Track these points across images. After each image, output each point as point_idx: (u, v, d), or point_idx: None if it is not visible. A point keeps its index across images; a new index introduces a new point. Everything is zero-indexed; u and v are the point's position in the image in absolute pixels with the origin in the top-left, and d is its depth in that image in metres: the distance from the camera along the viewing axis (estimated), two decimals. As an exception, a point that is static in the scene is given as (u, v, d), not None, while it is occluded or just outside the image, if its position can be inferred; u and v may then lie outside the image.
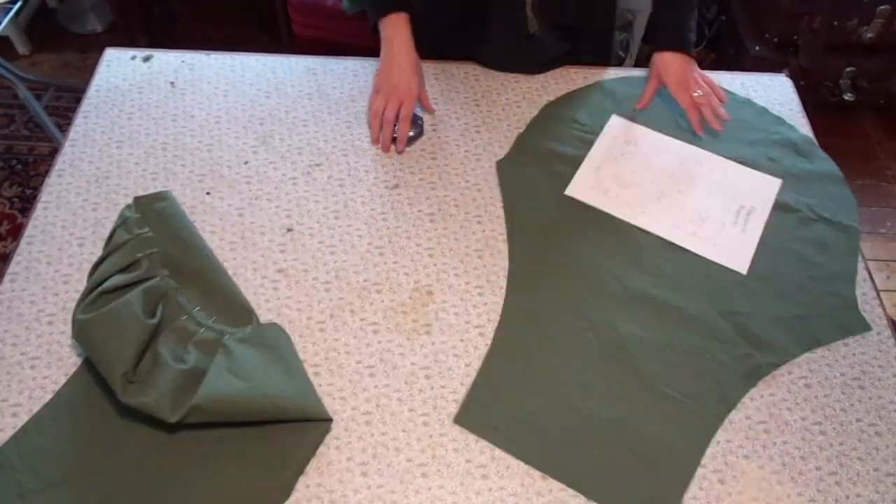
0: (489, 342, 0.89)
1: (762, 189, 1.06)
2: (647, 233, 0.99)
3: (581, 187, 1.04)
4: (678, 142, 1.12)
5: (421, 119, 1.12)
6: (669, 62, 1.09)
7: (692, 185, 1.06)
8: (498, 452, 0.80)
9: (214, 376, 0.79)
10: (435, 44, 1.16)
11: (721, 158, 1.09)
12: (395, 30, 1.07)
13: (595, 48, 1.23)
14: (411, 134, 1.09)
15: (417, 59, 1.08)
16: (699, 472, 0.80)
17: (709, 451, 0.81)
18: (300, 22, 2.07)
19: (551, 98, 1.18)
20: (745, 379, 0.86)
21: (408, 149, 1.09)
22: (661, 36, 1.12)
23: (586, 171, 1.06)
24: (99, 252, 0.91)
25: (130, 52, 1.22)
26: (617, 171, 1.07)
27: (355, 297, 0.93)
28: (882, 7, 2.00)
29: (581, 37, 1.19)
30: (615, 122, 1.14)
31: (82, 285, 0.89)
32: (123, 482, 0.76)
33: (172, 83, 1.17)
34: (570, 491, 0.78)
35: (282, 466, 0.77)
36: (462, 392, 0.84)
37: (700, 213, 1.02)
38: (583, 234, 0.99)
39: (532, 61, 1.19)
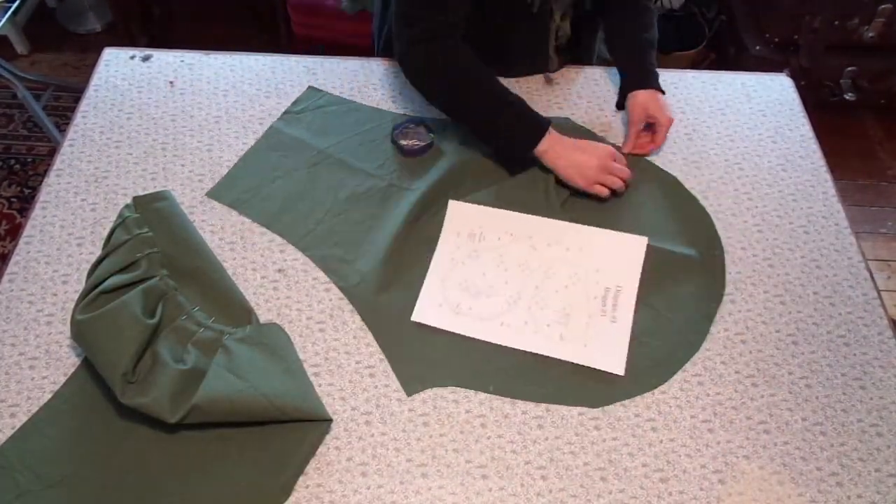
0: (489, 342, 0.89)
1: (628, 255, 0.95)
2: (513, 350, 0.88)
3: (428, 309, 0.91)
4: (525, 216, 0.99)
5: (433, 132, 1.09)
6: (650, 98, 1.09)
7: (550, 274, 0.94)
8: (498, 452, 0.80)
9: (214, 376, 0.79)
10: None
11: (575, 226, 0.99)
12: (558, 139, 1.01)
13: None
14: (422, 144, 1.07)
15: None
16: (699, 472, 0.79)
17: (709, 451, 0.81)
18: (299, 22, 2.07)
19: (551, 98, 1.18)
20: None
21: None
22: (633, 80, 1.12)
23: (431, 287, 0.93)
24: (98, 252, 0.91)
25: (129, 51, 1.22)
26: (465, 277, 0.93)
27: (355, 296, 0.92)
28: (883, 6, 2.00)
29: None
30: (454, 210, 1.00)
31: (81, 285, 0.88)
32: (123, 482, 0.76)
33: (172, 83, 1.17)
34: (570, 491, 0.77)
35: (282, 466, 0.77)
36: (461, 392, 0.84)
37: (563, 309, 0.91)
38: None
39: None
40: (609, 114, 1.16)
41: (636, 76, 1.12)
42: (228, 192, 1.03)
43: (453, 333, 0.89)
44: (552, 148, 1.01)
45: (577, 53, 1.22)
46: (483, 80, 1.03)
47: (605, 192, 1.01)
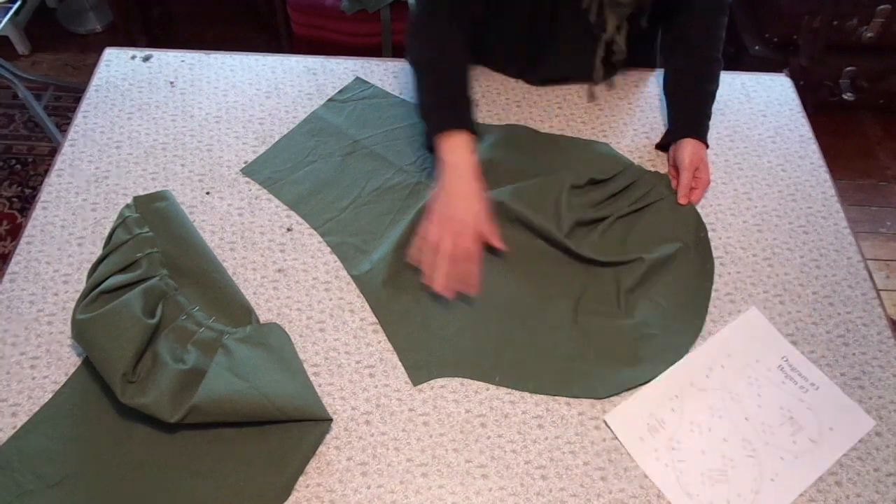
0: (489, 342, 0.89)
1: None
2: (520, 340, 0.89)
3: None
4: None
5: None
6: (700, 149, 1.06)
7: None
8: (498, 452, 0.80)
9: (214, 376, 0.79)
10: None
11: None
12: (459, 154, 0.94)
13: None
14: None
15: (481, 187, 0.94)
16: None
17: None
18: (299, 21, 2.07)
19: (552, 98, 1.18)
20: None
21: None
22: (687, 126, 1.08)
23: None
24: (98, 252, 0.91)
25: (130, 51, 1.22)
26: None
27: (355, 297, 0.92)
28: (882, 6, 2.00)
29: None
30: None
31: (82, 285, 0.88)
32: (123, 482, 0.76)
33: (172, 83, 1.17)
34: (570, 491, 0.78)
35: (282, 466, 0.77)
36: (461, 392, 0.84)
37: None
38: None
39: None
40: (650, 144, 1.14)
41: (692, 123, 1.08)
42: (262, 170, 1.06)
43: (460, 323, 0.90)
44: (448, 167, 0.93)
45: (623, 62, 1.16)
46: (451, 56, 1.01)
47: (414, 255, 0.91)
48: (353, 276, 0.94)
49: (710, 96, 1.10)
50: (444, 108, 0.99)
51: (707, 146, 1.07)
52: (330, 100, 1.16)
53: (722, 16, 1.09)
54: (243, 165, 1.06)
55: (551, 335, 0.90)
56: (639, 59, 1.20)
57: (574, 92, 1.19)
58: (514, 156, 1.08)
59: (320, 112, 1.14)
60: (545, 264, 0.96)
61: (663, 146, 1.12)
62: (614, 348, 0.89)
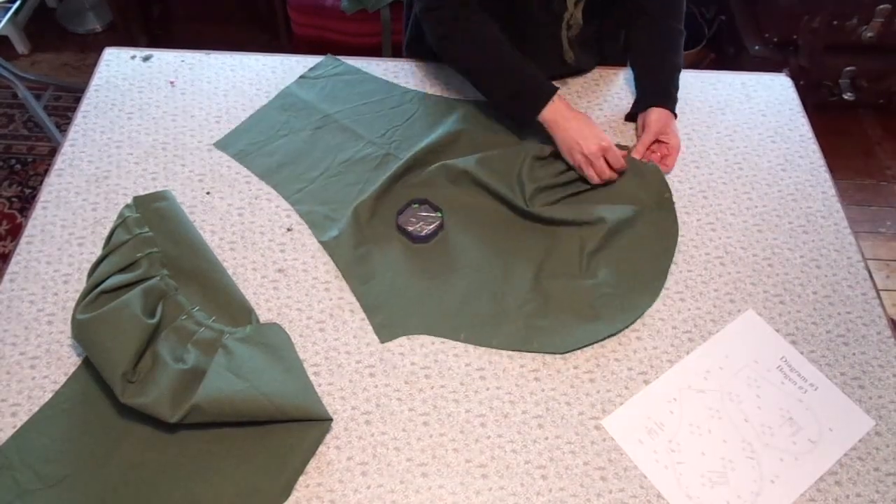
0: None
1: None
2: (485, 298, 0.93)
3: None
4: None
5: (440, 210, 1.01)
6: (667, 118, 1.10)
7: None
8: (498, 452, 0.80)
9: (214, 376, 0.79)
10: None
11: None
12: (563, 111, 1.02)
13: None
14: (431, 228, 0.98)
15: (585, 115, 1.04)
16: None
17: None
18: (299, 21, 2.06)
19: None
20: None
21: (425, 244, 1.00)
22: (653, 96, 1.12)
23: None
24: (98, 252, 0.91)
25: (130, 51, 1.22)
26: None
27: (356, 297, 0.92)
28: (882, 6, 2.00)
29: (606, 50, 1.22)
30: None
31: (82, 285, 0.88)
32: (123, 482, 0.76)
33: (172, 83, 1.17)
34: (570, 491, 0.78)
35: (282, 466, 0.77)
36: (461, 392, 0.85)
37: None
38: None
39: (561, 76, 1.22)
40: (621, 120, 1.16)
41: (658, 93, 1.11)
42: (234, 143, 1.09)
43: (425, 284, 0.93)
44: (557, 118, 1.02)
45: (601, 47, 1.20)
46: (492, 44, 1.04)
47: (594, 178, 1.02)
48: (321, 242, 0.97)
49: (675, 67, 1.13)
50: (524, 91, 1.04)
51: (675, 116, 1.11)
52: (302, 77, 1.19)
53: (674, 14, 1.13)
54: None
55: (514, 295, 0.93)
56: (606, 57, 1.23)
57: (574, 91, 1.20)
58: (481, 129, 1.11)
59: (292, 88, 1.18)
60: (509, 229, 1.00)
61: (631, 116, 1.15)
62: (574, 306, 0.92)
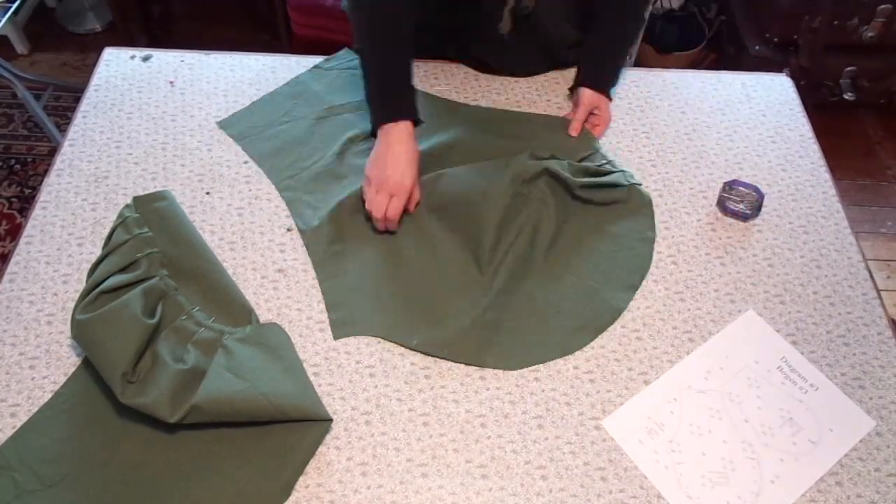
0: (489, 342, 0.89)
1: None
2: (443, 309, 0.92)
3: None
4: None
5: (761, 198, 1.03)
6: (600, 100, 1.13)
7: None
8: (498, 452, 0.80)
9: (214, 376, 0.79)
10: (426, 46, 1.15)
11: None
12: (399, 135, 0.97)
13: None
14: (748, 211, 1.02)
15: (418, 152, 0.99)
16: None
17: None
18: (300, 22, 2.06)
19: (552, 98, 1.18)
20: None
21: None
22: (591, 78, 1.13)
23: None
24: (98, 252, 0.91)
25: (130, 51, 1.22)
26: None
27: (355, 296, 0.93)
28: (883, 6, 2.00)
29: (557, 50, 1.19)
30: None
31: (81, 285, 0.88)
32: (123, 482, 0.76)
33: (172, 83, 1.17)
34: (570, 491, 0.77)
35: (282, 466, 0.77)
36: (461, 392, 0.84)
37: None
38: None
39: (514, 64, 1.19)
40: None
41: (592, 73, 1.14)
42: (237, 125, 1.11)
43: (392, 289, 0.93)
44: (391, 136, 0.97)
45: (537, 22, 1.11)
46: (398, 37, 1.00)
47: (368, 204, 0.96)
48: (300, 231, 0.98)
49: (618, 54, 1.15)
50: (387, 97, 1.01)
51: (610, 99, 1.14)
52: (316, 66, 1.20)
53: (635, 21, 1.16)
54: (243, 165, 1.06)
55: (473, 306, 0.91)
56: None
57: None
58: (480, 138, 1.10)
59: (304, 77, 1.19)
60: (477, 239, 0.96)
61: (570, 91, 1.17)
62: (530, 323, 0.91)
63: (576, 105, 1.13)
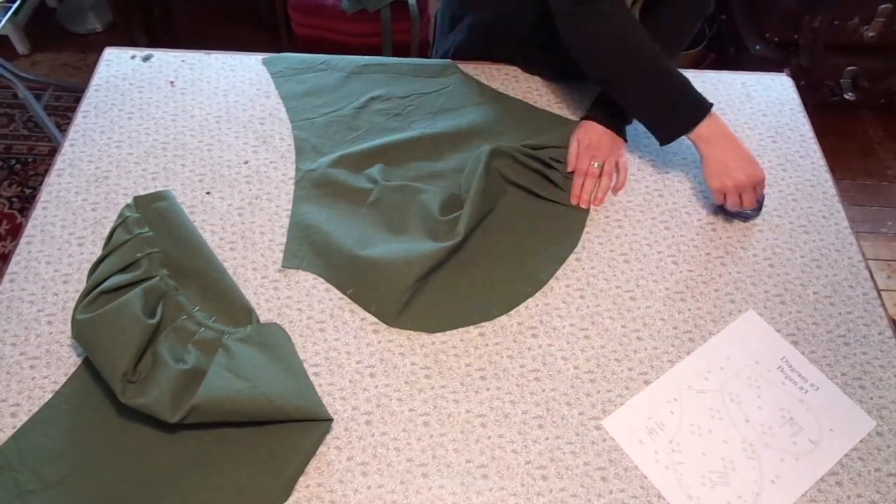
0: (488, 342, 0.89)
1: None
2: (384, 264, 0.93)
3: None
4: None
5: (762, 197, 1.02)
6: (593, 127, 1.05)
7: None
8: (498, 452, 0.80)
9: (214, 376, 0.79)
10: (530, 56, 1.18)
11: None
12: (720, 130, 0.97)
13: None
14: (749, 212, 1.03)
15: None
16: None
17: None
18: (300, 21, 2.06)
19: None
20: None
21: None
22: (602, 107, 1.07)
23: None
24: (98, 252, 0.91)
25: (130, 51, 1.22)
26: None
27: (355, 296, 0.93)
28: (883, 6, 2.00)
29: None
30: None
31: (82, 285, 0.88)
32: (123, 482, 0.76)
33: (172, 82, 1.17)
34: (570, 491, 0.77)
35: (282, 466, 0.77)
36: (462, 392, 0.84)
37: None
38: None
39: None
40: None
41: (605, 107, 1.06)
42: (279, 64, 1.20)
43: (345, 240, 0.95)
44: (713, 137, 0.98)
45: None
46: (643, 47, 0.96)
47: (733, 206, 0.98)
48: (297, 168, 1.05)
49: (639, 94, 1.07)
50: (680, 102, 0.98)
51: (626, 141, 1.08)
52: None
53: (700, 15, 1.10)
54: (243, 165, 1.06)
55: (409, 273, 0.91)
56: None
57: (576, 91, 1.19)
58: (497, 128, 1.11)
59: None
60: (444, 211, 0.98)
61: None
62: (458, 287, 0.93)
63: (579, 144, 1.06)
